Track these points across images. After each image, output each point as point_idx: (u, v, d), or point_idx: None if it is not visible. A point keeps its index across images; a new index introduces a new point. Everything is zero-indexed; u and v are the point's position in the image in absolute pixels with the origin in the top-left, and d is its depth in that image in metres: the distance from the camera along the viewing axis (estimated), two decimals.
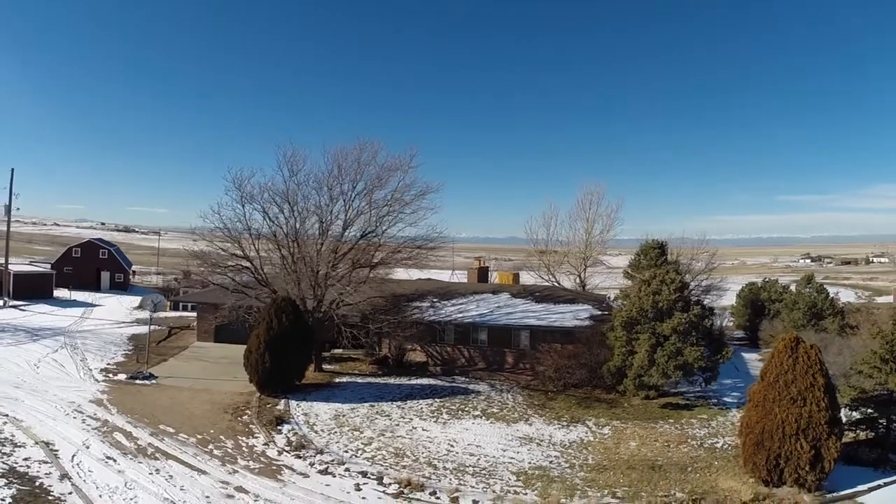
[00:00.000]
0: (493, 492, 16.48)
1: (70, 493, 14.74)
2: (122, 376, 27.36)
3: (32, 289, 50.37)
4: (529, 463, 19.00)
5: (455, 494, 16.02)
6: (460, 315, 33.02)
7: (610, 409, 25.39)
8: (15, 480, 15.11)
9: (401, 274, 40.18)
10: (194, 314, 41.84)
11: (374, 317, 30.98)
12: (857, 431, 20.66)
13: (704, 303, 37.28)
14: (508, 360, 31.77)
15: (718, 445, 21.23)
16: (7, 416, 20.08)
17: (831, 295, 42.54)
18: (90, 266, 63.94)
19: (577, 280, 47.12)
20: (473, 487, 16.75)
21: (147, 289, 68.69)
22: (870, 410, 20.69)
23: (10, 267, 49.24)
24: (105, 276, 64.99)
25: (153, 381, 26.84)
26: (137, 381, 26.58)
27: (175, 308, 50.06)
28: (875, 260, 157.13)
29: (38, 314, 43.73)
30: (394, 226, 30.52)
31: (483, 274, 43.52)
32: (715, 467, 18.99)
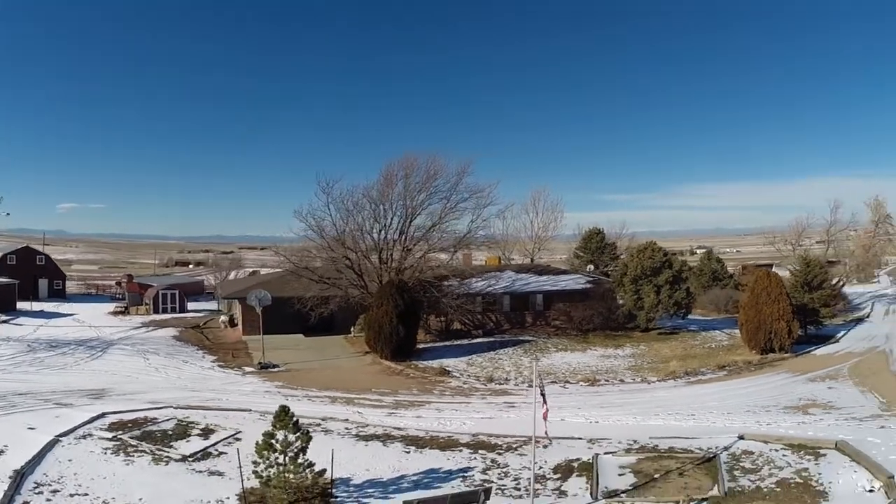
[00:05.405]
0: (624, 379, 26.58)
1: (421, 433, 16.69)
2: (249, 368, 28.97)
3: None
4: (624, 364, 29.68)
5: (619, 379, 26.03)
6: (490, 288, 42.23)
7: (629, 339, 36.85)
8: (404, 444, 15.89)
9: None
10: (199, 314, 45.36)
11: (438, 294, 38.51)
12: None
13: None
14: (528, 319, 41.81)
15: (712, 346, 33.90)
16: (249, 410, 19.41)
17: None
18: (27, 273, 58.61)
19: (529, 261, 58.90)
20: (612, 378, 26.62)
21: (86, 295, 66.11)
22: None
23: None
24: (43, 284, 61.10)
25: (282, 368, 28.64)
26: (272, 370, 28.43)
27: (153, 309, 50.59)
28: (697, 251, 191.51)
29: (39, 327, 41.19)
30: (455, 219, 38.89)
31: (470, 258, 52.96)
32: (722, 353, 31.48)
